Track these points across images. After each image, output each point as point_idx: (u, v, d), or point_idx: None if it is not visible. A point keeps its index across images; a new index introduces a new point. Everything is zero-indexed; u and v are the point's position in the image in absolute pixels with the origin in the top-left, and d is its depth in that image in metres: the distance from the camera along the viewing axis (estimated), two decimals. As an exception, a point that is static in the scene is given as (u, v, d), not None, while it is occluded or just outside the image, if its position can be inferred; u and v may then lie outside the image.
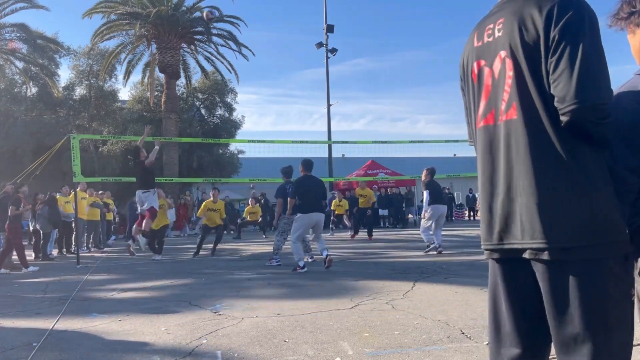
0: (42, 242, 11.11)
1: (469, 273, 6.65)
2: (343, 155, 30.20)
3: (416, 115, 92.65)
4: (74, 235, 11.77)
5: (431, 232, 9.92)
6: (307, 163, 7.89)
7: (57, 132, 22.77)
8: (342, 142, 15.48)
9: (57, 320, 4.49)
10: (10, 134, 23.48)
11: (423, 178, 9.96)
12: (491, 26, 1.52)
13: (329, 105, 24.31)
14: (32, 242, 11.83)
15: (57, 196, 11.98)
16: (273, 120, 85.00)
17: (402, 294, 5.28)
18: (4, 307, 5.30)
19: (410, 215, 22.54)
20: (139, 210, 10.05)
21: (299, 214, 7.61)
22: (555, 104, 1.34)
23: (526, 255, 1.39)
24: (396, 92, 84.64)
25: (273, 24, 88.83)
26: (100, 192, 14.37)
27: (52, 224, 11.20)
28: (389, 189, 21.43)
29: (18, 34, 22.99)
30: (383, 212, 20.91)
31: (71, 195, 11.62)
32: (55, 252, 11.82)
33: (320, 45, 24.47)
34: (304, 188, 7.61)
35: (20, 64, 24.12)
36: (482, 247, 1.56)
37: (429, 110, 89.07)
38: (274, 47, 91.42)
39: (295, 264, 7.55)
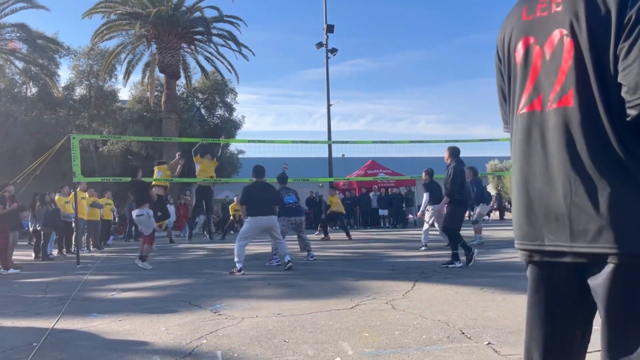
0: (42, 242, 11.11)
1: (469, 273, 6.64)
2: (343, 155, 30.20)
3: (416, 115, 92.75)
4: (74, 235, 11.77)
5: (436, 231, 10.11)
6: (257, 170, 8.07)
7: (57, 132, 22.78)
8: (342, 142, 15.50)
9: (57, 320, 4.48)
10: (10, 134, 23.50)
11: (423, 179, 10.19)
12: (545, 2, 1.35)
13: (329, 105, 24.31)
14: (33, 242, 11.84)
15: (57, 196, 11.99)
16: (273, 120, 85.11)
17: (402, 294, 5.28)
18: (4, 307, 5.30)
19: (410, 215, 22.55)
20: (140, 229, 9.39)
21: (248, 217, 7.77)
22: (624, 94, 1.20)
23: (568, 259, 1.28)
24: (396, 92, 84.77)
25: (273, 24, 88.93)
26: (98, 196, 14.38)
27: (49, 226, 11.17)
28: (389, 189, 21.44)
29: (18, 34, 23.00)
30: (383, 212, 20.94)
31: (71, 195, 11.62)
32: (55, 252, 11.82)
33: (320, 45, 24.46)
34: (252, 194, 7.78)
35: (20, 64, 24.13)
36: (518, 246, 1.41)
37: (429, 110, 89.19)
38: (274, 47, 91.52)
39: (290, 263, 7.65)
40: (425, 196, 10.13)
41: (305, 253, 9.15)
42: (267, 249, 11.50)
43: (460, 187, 7.21)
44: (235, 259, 7.44)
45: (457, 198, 7.24)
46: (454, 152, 7.48)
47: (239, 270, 7.30)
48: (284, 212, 9.01)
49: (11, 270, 8.71)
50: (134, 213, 8.97)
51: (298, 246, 9.77)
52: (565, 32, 1.28)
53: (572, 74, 1.27)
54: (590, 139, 1.24)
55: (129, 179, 9.60)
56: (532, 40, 1.36)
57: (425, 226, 10.44)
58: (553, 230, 1.29)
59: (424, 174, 10.21)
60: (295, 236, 9.79)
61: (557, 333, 1.37)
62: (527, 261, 1.40)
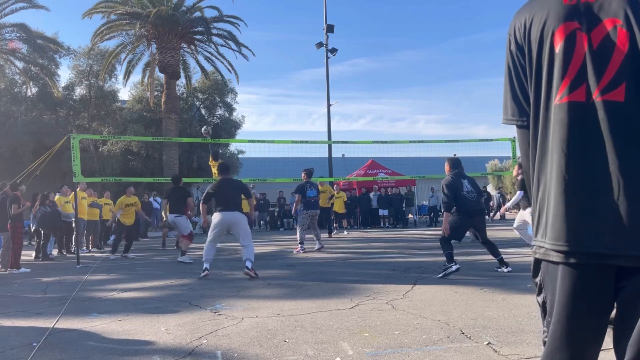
0: (42, 242, 11.11)
1: (469, 273, 6.64)
2: (343, 155, 30.19)
3: (415, 115, 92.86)
4: (73, 235, 11.77)
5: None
6: (222, 167, 7.83)
7: (57, 132, 22.78)
8: (342, 142, 15.51)
9: (57, 320, 4.49)
10: (10, 134, 23.49)
11: (515, 174, 9.46)
12: None
13: (329, 105, 24.30)
14: (33, 242, 11.83)
15: (57, 196, 11.99)
16: (272, 120, 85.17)
17: (402, 294, 5.28)
18: (4, 307, 5.30)
19: (410, 215, 22.54)
20: (176, 232, 10.51)
21: (214, 214, 7.38)
22: None
23: (612, 261, 1.20)
24: (396, 92, 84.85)
25: (273, 24, 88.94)
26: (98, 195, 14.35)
27: (47, 227, 11.15)
28: (389, 189, 21.45)
29: (18, 34, 22.99)
30: (383, 212, 20.94)
31: (71, 195, 11.62)
32: (55, 252, 11.82)
33: (320, 45, 24.45)
34: (217, 190, 7.40)
35: (20, 64, 24.13)
36: (553, 247, 1.29)
37: (429, 110, 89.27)
38: (274, 47, 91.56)
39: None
40: (518, 194, 9.35)
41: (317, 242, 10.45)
42: (268, 249, 11.50)
43: (454, 199, 6.63)
44: (203, 258, 7.15)
45: (461, 209, 6.66)
46: (453, 164, 6.95)
47: (204, 271, 6.97)
48: (305, 205, 10.22)
49: (22, 270, 8.77)
50: (172, 216, 9.78)
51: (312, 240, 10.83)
52: (619, 22, 1.20)
53: (625, 67, 1.19)
54: (637, 142, 1.17)
55: (130, 180, 10.17)
56: (575, 26, 1.25)
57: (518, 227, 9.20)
58: (596, 233, 1.21)
59: (517, 169, 9.34)
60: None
61: (592, 342, 1.30)
62: (563, 263, 1.27)
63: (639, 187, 1.18)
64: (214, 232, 7.28)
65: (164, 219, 11.08)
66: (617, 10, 1.21)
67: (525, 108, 1.40)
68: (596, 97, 1.22)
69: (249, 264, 6.95)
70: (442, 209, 6.94)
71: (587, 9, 1.25)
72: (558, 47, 1.27)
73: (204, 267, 7.05)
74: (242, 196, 7.55)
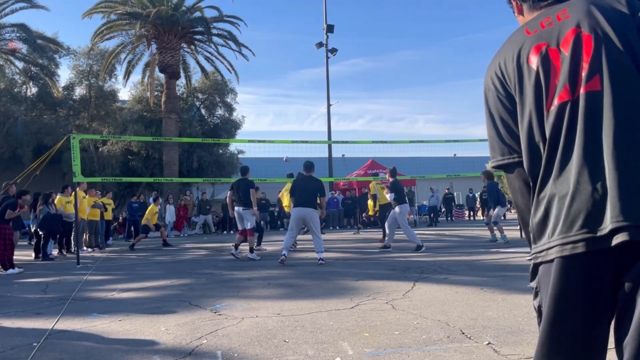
0: (42, 242, 11.10)
1: (469, 273, 6.65)
2: (343, 155, 30.22)
3: (415, 115, 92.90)
4: (73, 235, 11.77)
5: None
6: (304, 165, 8.95)
7: (57, 132, 22.80)
8: (342, 142, 15.51)
9: (57, 320, 4.49)
10: (10, 134, 23.51)
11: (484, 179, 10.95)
12: (548, 18, 1.39)
13: (329, 105, 24.30)
14: (33, 242, 11.82)
15: (58, 196, 11.99)
16: (271, 120, 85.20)
17: (402, 294, 5.28)
18: (4, 307, 5.30)
19: (410, 215, 22.53)
20: (239, 227, 10.12)
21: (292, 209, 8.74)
22: None
23: (618, 238, 1.18)
24: (395, 92, 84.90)
25: (273, 24, 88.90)
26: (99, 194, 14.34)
27: (47, 229, 11.14)
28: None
29: (18, 34, 23.01)
30: (383, 212, 20.98)
31: (72, 195, 11.61)
32: (55, 252, 11.82)
33: (320, 45, 24.49)
34: (295, 186, 8.85)
35: (20, 64, 24.15)
36: (552, 243, 1.28)
37: (428, 110, 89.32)
38: (273, 47, 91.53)
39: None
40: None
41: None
42: (266, 248, 11.50)
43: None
44: (282, 248, 8.50)
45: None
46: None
47: (283, 257, 8.24)
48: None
49: (15, 270, 8.71)
50: (241, 208, 9.79)
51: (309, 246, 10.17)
52: (580, 29, 1.32)
53: (596, 62, 1.29)
54: (622, 121, 1.24)
55: (130, 180, 9.60)
56: (544, 45, 1.36)
57: None
58: (587, 217, 1.23)
59: (484, 177, 11.39)
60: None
61: (596, 342, 1.28)
62: (566, 255, 1.25)
63: (622, 167, 1.22)
64: (290, 225, 8.77)
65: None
66: (577, 21, 1.33)
67: (513, 146, 1.44)
68: (577, 92, 1.30)
69: (320, 255, 8.24)
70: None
71: (548, 31, 1.38)
72: (535, 65, 1.37)
73: (284, 253, 8.45)
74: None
